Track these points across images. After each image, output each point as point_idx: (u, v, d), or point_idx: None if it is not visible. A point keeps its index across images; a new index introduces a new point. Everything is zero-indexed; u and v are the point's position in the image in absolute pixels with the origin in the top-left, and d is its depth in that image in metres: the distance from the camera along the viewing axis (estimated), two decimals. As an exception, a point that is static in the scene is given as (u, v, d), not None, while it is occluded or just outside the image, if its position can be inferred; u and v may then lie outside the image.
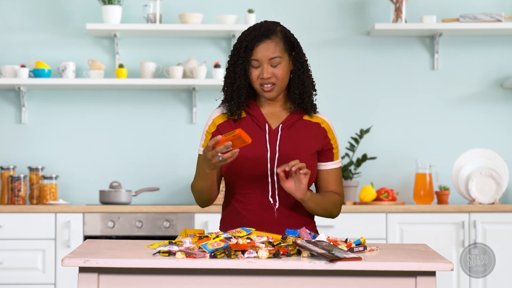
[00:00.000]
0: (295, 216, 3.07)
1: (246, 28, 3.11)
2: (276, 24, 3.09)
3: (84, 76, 5.78)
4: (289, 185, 2.94)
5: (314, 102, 3.14)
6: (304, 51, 3.12)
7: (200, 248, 2.61)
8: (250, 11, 5.69)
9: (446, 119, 5.85)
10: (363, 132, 5.64)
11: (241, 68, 3.03)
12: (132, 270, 2.54)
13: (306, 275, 2.53)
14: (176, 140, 5.83)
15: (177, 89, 5.86)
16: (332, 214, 3.13)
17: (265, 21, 3.10)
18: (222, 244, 2.58)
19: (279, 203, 3.06)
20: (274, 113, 3.11)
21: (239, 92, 3.04)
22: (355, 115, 5.84)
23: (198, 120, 5.83)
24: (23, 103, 5.80)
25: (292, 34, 3.11)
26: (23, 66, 5.68)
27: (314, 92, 3.14)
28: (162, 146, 5.84)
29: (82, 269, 2.54)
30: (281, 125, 3.08)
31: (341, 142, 5.78)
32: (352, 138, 5.67)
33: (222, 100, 3.13)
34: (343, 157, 5.71)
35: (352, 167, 5.69)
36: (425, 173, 5.62)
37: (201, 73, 5.67)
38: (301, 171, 2.91)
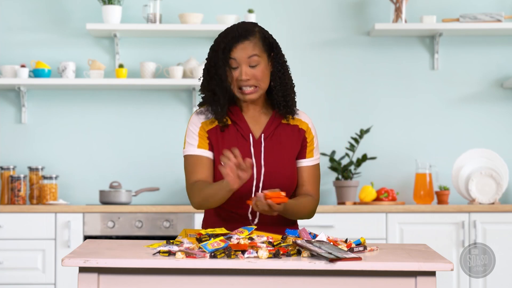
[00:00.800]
0: (275, 229, 3.03)
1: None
2: (254, 24, 3.03)
3: (84, 76, 5.78)
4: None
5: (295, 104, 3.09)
6: (283, 52, 3.07)
7: (200, 248, 2.61)
8: (250, 11, 5.69)
9: (446, 119, 5.85)
10: (363, 132, 5.64)
11: (220, 70, 2.95)
12: (132, 270, 2.54)
13: (306, 275, 2.53)
14: (176, 140, 5.83)
15: (177, 89, 5.86)
16: (306, 218, 3.09)
17: (243, 22, 3.04)
18: (222, 244, 2.58)
19: (258, 219, 3.04)
20: (254, 118, 3.06)
21: (223, 94, 2.97)
22: (355, 115, 5.84)
23: (198, 120, 5.83)
24: (23, 103, 5.80)
25: (271, 35, 3.05)
26: (23, 66, 5.68)
27: (293, 95, 3.07)
28: (162, 146, 5.84)
29: (82, 269, 2.54)
30: (263, 134, 3.04)
31: (341, 142, 5.78)
32: (352, 138, 5.67)
33: (200, 103, 3.07)
34: (343, 157, 5.71)
35: (352, 167, 5.69)
36: (425, 173, 5.62)
37: (201, 73, 5.66)
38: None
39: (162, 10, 5.78)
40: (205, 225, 3.14)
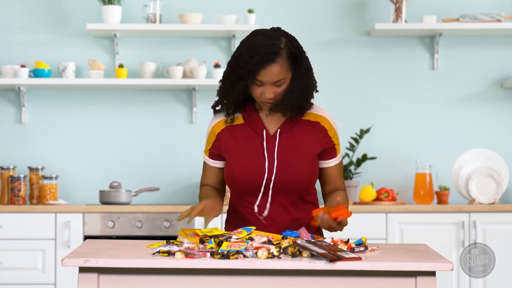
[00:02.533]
0: (283, 224, 3.05)
1: (248, 35, 3.01)
2: (279, 38, 2.96)
3: (84, 76, 5.78)
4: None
5: (312, 100, 3.08)
6: (306, 54, 3.05)
7: (200, 249, 2.61)
8: (250, 11, 5.69)
9: (446, 119, 5.85)
10: (363, 132, 5.64)
11: (242, 84, 2.95)
12: (132, 270, 2.54)
13: (306, 275, 2.53)
14: (176, 140, 5.83)
15: (177, 89, 5.86)
16: None
17: (269, 37, 2.95)
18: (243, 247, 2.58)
19: (268, 212, 3.05)
20: (272, 117, 3.07)
21: (237, 101, 3.01)
22: (355, 115, 5.84)
23: (198, 120, 5.83)
24: (23, 103, 5.80)
25: (296, 44, 3.00)
26: (23, 66, 5.68)
27: (312, 95, 3.07)
28: (162, 146, 5.84)
29: (82, 269, 2.54)
30: (279, 130, 3.04)
31: (341, 142, 5.78)
32: (352, 138, 5.67)
33: (215, 102, 3.08)
34: (343, 157, 5.70)
35: (352, 167, 5.69)
36: (425, 173, 5.62)
37: (201, 73, 5.67)
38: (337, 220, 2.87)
39: (162, 10, 5.78)
40: (228, 226, 3.17)
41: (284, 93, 2.96)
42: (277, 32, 2.99)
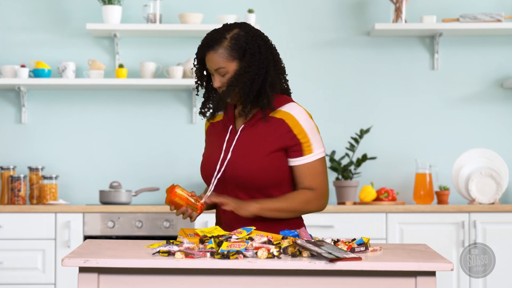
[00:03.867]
0: (274, 227, 3.04)
1: None
2: (230, 30, 3.03)
3: (84, 76, 5.78)
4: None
5: (269, 98, 3.03)
6: (273, 45, 3.07)
7: (200, 249, 2.61)
8: (250, 11, 5.69)
9: (446, 119, 5.85)
10: (363, 132, 5.64)
11: (200, 78, 3.10)
12: (132, 270, 2.54)
13: (306, 275, 2.53)
14: (176, 140, 5.83)
15: (177, 89, 5.86)
16: (306, 212, 3.07)
17: (220, 28, 3.05)
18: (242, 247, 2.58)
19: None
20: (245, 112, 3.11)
21: (209, 95, 3.13)
22: (355, 115, 5.83)
23: (198, 120, 5.83)
24: (23, 103, 5.80)
25: (251, 38, 3.01)
26: (23, 66, 5.68)
27: (268, 91, 3.04)
28: (162, 146, 5.84)
29: (82, 269, 2.54)
30: (243, 125, 3.07)
31: (341, 142, 5.78)
32: (352, 138, 5.67)
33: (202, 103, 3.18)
34: (343, 157, 5.71)
35: (352, 167, 5.69)
36: (425, 173, 5.62)
37: (201, 73, 5.66)
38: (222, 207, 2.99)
39: (162, 10, 5.78)
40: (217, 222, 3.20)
41: (227, 83, 3.03)
42: (233, 25, 3.06)
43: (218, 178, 3.06)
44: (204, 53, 3.03)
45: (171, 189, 2.96)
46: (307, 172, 3.05)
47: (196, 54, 3.07)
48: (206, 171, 3.11)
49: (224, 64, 3.01)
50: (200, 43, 3.06)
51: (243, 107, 3.04)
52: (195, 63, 3.09)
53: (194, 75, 3.17)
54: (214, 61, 3.01)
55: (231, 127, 3.09)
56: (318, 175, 3.05)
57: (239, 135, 3.06)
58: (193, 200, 2.96)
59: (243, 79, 3.01)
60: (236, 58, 3.01)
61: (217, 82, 3.04)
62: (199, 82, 3.11)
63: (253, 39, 3.03)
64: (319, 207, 3.07)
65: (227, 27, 3.05)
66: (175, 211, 3.04)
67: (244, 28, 3.05)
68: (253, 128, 3.06)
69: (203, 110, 3.14)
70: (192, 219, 3.01)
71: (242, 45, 3.01)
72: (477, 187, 5.51)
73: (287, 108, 3.06)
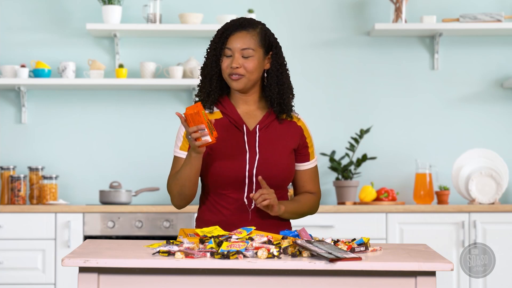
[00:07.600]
0: (269, 216, 3.08)
1: None
2: (260, 23, 3.10)
3: (84, 76, 5.79)
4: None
5: (292, 105, 3.13)
6: (284, 55, 3.13)
7: (200, 249, 2.61)
8: (250, 11, 5.70)
9: (446, 119, 5.85)
10: (363, 132, 5.64)
11: (213, 55, 3.05)
12: (132, 270, 2.54)
13: (306, 275, 2.53)
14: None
15: (177, 89, 5.86)
16: (309, 214, 3.20)
17: (251, 18, 3.11)
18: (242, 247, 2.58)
19: (254, 204, 3.07)
20: (249, 113, 3.12)
21: (211, 79, 3.06)
22: (355, 115, 5.84)
23: (198, 120, 5.83)
24: (23, 103, 5.80)
25: (274, 37, 3.11)
26: (23, 66, 5.68)
27: (291, 96, 3.12)
28: (162, 146, 5.84)
29: (82, 269, 2.54)
30: (258, 125, 3.08)
31: (341, 142, 5.79)
32: (352, 138, 5.67)
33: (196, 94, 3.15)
34: (343, 157, 5.71)
35: (352, 167, 5.69)
36: (425, 173, 5.62)
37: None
38: (262, 203, 2.95)
39: (162, 10, 5.78)
40: (199, 223, 3.15)
41: (250, 68, 3.02)
42: (260, 22, 3.11)
43: (242, 177, 3.05)
44: (233, 31, 3.03)
45: (195, 105, 2.87)
46: (311, 176, 3.17)
47: (222, 30, 3.03)
48: (232, 172, 3.04)
49: (254, 46, 3.03)
50: (226, 27, 3.04)
51: (278, 106, 3.07)
52: (217, 39, 3.04)
53: (206, 56, 3.08)
54: (244, 41, 3.02)
55: (244, 126, 3.08)
56: (316, 179, 3.20)
57: (259, 135, 3.07)
58: (213, 127, 2.92)
59: (260, 69, 3.05)
60: (264, 47, 3.06)
61: (237, 62, 3.01)
62: (213, 62, 3.04)
63: (276, 39, 3.12)
64: (316, 210, 3.23)
65: (255, 20, 3.09)
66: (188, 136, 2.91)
67: (266, 28, 3.12)
68: (268, 129, 3.09)
69: (204, 93, 3.08)
70: (201, 146, 2.91)
71: (271, 39, 3.09)
72: (477, 187, 5.51)
73: (294, 113, 3.16)
